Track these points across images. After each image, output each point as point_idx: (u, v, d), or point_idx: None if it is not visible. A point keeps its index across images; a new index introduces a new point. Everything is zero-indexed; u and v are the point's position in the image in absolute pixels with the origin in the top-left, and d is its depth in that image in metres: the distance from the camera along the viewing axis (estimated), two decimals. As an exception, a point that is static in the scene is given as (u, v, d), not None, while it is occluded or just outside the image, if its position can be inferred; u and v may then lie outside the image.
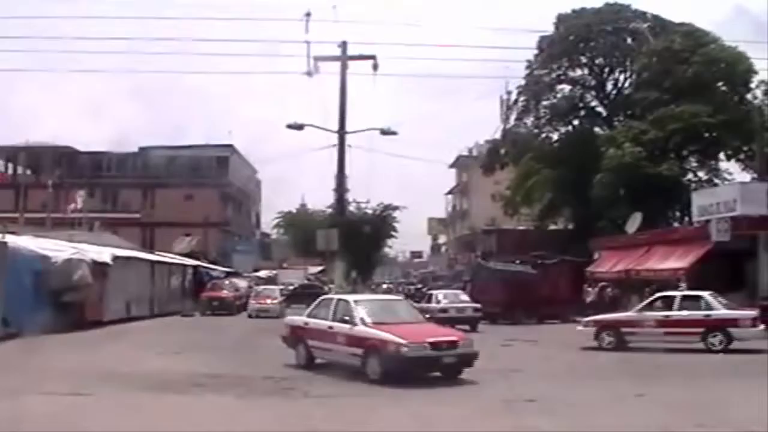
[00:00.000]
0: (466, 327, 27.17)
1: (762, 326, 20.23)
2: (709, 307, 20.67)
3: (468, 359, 14.89)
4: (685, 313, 20.74)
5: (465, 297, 32.94)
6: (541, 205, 47.01)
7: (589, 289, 32.74)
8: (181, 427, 10.36)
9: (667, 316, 20.89)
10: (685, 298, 21.67)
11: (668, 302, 21.67)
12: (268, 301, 38.44)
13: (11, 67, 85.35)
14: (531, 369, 16.92)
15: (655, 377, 15.30)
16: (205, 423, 10.67)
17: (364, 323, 15.13)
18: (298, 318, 18.26)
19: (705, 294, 21.32)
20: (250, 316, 36.70)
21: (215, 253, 62.02)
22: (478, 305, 31.21)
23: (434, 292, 35.49)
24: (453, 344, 14.87)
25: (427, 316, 22.22)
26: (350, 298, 17.40)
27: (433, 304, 31.05)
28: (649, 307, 22.02)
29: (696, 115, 36.84)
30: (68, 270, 26.94)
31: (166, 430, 10.18)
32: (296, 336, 17.27)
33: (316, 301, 18.02)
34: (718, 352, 19.49)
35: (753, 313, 20.69)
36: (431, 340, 14.62)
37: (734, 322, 20.11)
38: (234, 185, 70.03)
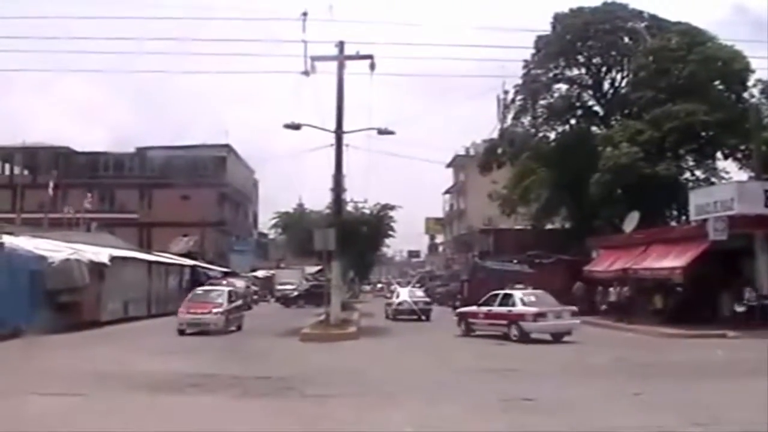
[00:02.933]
0: (422, 317, 35.95)
1: (546, 321, 24.15)
2: (514, 304, 25.03)
3: None
4: (499, 308, 25.45)
5: (420, 293, 40.63)
6: (538, 205, 46.99)
7: (611, 289, 33.03)
8: (176, 427, 10.31)
9: (490, 310, 25.81)
10: (504, 296, 25.89)
11: (494, 299, 26.23)
12: (213, 310, 26.85)
13: (8, 67, 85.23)
14: (528, 368, 16.93)
15: (652, 376, 15.30)
16: (201, 423, 10.63)
17: None
18: None
19: (516, 293, 25.82)
20: (181, 332, 26.16)
21: (212, 253, 62.01)
22: (429, 299, 39.39)
23: (398, 289, 46.43)
24: None
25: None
26: None
27: (395, 298, 39.05)
28: (485, 302, 26.65)
29: (692, 113, 36.80)
30: (65, 270, 26.94)
31: (161, 430, 10.16)
32: None
33: None
34: (517, 341, 23.71)
35: (535, 309, 24.29)
36: None
37: (522, 317, 24.15)
38: (231, 185, 70.00)
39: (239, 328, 28.81)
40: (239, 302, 30.62)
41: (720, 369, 16.69)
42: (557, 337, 24.05)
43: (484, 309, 26.20)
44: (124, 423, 10.44)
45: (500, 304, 25.55)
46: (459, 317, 28.09)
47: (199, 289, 31.04)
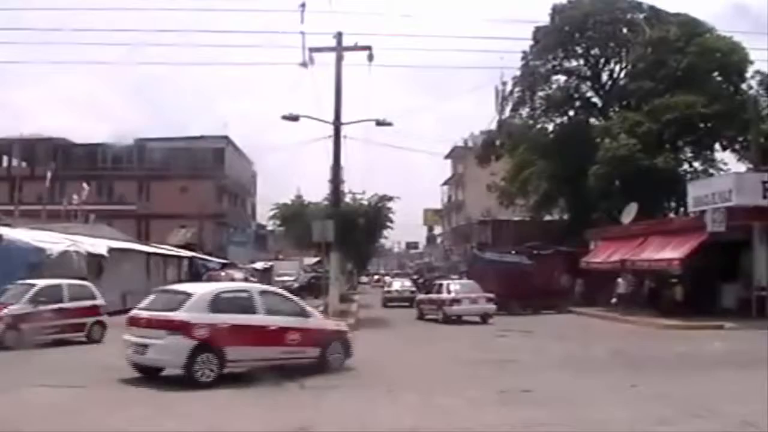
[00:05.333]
0: (407, 303, 38.73)
1: (461, 306, 29.44)
2: (442, 292, 30.40)
3: None
4: (436, 295, 31.01)
5: (408, 284, 45.76)
6: (537, 196, 46.96)
7: (619, 280, 32.19)
8: (176, 419, 10.35)
9: (431, 297, 31.45)
10: (440, 285, 31.40)
11: (435, 287, 31.89)
12: None
13: (6, 59, 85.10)
14: (526, 360, 16.96)
15: (650, 368, 15.33)
16: (200, 415, 10.66)
17: None
18: None
19: (446, 282, 31.85)
20: None
21: (211, 244, 61.92)
22: (414, 289, 43.18)
23: (389, 279, 54.96)
24: None
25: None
26: None
27: (386, 288, 45.85)
28: (430, 290, 32.58)
29: (691, 105, 36.81)
30: (64, 262, 26.91)
31: (160, 422, 10.18)
32: None
33: None
34: (443, 322, 28.87)
35: (452, 296, 29.80)
36: None
37: (444, 302, 29.80)
38: (230, 177, 69.84)
39: (93, 339, 20.68)
40: (70, 304, 20.42)
41: (717, 360, 16.71)
42: (484, 318, 29.20)
43: (428, 296, 32.24)
44: (123, 415, 10.46)
45: (436, 292, 31.26)
46: (417, 303, 33.56)
47: None
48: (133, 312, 13.97)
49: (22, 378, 13.17)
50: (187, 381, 12.74)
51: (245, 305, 13.86)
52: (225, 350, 13.04)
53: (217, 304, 13.46)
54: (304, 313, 14.75)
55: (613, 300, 32.14)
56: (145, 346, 12.99)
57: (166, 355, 12.96)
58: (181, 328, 12.86)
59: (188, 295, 13.60)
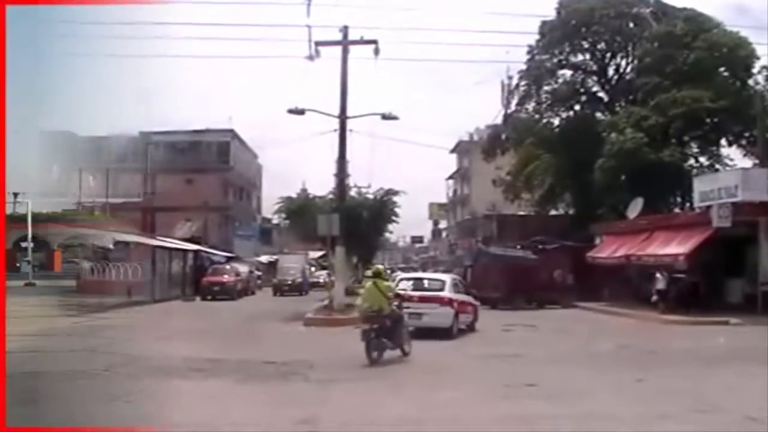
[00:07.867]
0: None
1: None
2: None
3: None
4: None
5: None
6: (542, 191, 46.92)
7: (658, 275, 31.11)
8: (181, 411, 10.37)
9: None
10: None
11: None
12: None
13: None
14: (531, 354, 16.96)
15: (654, 363, 15.33)
16: (205, 407, 10.68)
17: None
18: None
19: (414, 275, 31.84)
20: None
21: (216, 238, 61.97)
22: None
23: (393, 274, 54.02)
24: None
25: None
26: None
27: None
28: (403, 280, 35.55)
29: (697, 100, 36.70)
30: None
31: (165, 414, 10.20)
32: None
33: None
34: None
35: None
36: None
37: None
38: (235, 170, 69.85)
39: None
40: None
41: (722, 356, 16.68)
42: None
43: None
44: (128, 407, 10.49)
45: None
46: None
47: None
48: (404, 292, 19.08)
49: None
50: (446, 334, 19.77)
51: (457, 287, 21.89)
52: (460, 316, 20.96)
53: (454, 287, 21.51)
54: (468, 294, 23.08)
55: (654, 298, 29.37)
56: (420, 314, 19.65)
57: (439, 319, 20.14)
58: (448, 302, 20.58)
59: (443, 281, 22.07)
